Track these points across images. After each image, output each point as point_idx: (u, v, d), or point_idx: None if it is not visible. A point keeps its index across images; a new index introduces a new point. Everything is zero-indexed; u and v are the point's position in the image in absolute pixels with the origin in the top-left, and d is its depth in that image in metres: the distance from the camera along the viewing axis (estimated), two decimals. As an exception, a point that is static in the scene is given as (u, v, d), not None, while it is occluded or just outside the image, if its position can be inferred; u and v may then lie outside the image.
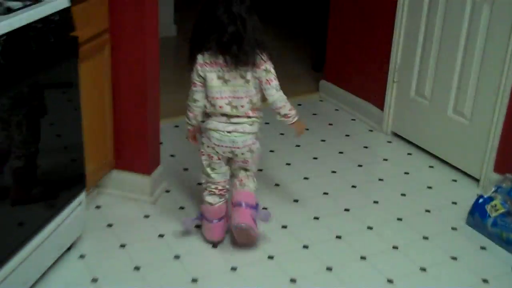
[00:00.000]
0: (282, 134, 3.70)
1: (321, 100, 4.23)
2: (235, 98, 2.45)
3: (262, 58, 2.44)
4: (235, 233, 2.60)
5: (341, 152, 3.53)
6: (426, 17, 3.39)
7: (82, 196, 2.55)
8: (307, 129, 3.75)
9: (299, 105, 4.12)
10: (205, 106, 2.51)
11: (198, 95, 2.50)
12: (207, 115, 2.54)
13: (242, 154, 2.54)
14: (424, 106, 3.49)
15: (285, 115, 2.57)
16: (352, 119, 3.96)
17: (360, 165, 3.40)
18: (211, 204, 2.62)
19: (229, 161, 2.61)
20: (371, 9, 3.75)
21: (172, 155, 3.41)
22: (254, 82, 2.46)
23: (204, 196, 2.65)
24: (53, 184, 2.38)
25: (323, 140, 3.66)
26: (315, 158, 3.46)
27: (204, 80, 2.46)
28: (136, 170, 2.96)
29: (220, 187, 2.62)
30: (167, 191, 3.07)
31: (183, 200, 3.00)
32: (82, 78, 2.54)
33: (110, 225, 2.78)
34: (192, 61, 2.48)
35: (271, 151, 3.51)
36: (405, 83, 3.58)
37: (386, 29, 3.62)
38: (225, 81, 2.44)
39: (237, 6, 2.39)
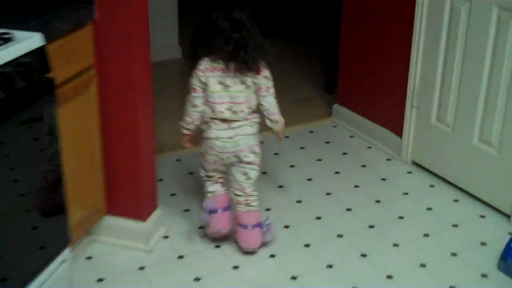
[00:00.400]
0: (292, 166, 3.42)
1: (334, 126, 3.94)
2: (235, 104, 2.47)
3: (263, 65, 2.49)
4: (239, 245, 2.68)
5: (356, 186, 3.23)
6: (446, 36, 3.09)
7: (65, 253, 2.28)
8: (320, 160, 3.50)
9: (311, 132, 3.84)
10: (203, 111, 2.52)
11: (198, 100, 2.51)
12: (205, 124, 2.54)
13: (245, 156, 2.53)
14: (447, 134, 3.18)
15: (275, 121, 2.61)
16: (369, 147, 3.66)
17: (378, 201, 3.10)
18: (214, 193, 2.65)
19: (230, 168, 2.61)
20: (387, 27, 3.46)
21: (172, 194, 3.14)
22: (254, 87, 2.49)
23: (206, 187, 2.67)
24: (31, 242, 2.12)
25: (337, 172, 3.37)
26: (328, 194, 3.16)
27: (204, 86, 2.48)
28: (130, 216, 2.70)
29: (221, 177, 2.67)
30: (166, 237, 2.80)
31: (183, 247, 2.73)
32: (67, 119, 2.32)
33: (100, 280, 2.52)
34: (192, 66, 2.49)
35: (280, 186, 3.22)
36: (425, 109, 3.28)
37: (403, 49, 3.33)
38: (225, 87, 2.46)
39: (239, 13, 2.42)
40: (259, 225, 2.63)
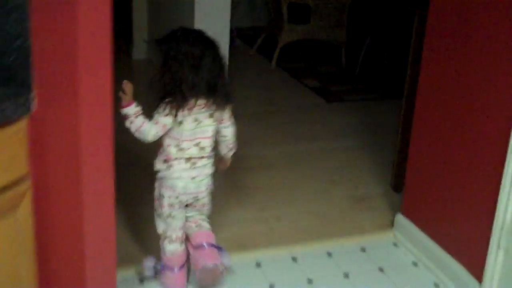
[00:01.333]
0: (310, 283, 2.55)
1: (395, 244, 3.02)
2: (204, 139, 2.41)
3: None
4: (199, 276, 2.50)
5: None
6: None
7: None
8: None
9: (363, 250, 2.94)
10: (164, 150, 2.40)
11: (159, 135, 2.36)
12: (165, 163, 2.40)
13: (203, 198, 2.49)
14: (546, 296, 2.23)
15: (232, 148, 2.57)
16: (436, 285, 2.72)
17: None
18: (173, 252, 2.50)
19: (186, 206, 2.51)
20: (476, 135, 2.54)
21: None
22: (217, 119, 2.44)
23: (165, 246, 2.51)
24: None
25: (384, 324, 2.46)
26: None
27: (176, 124, 2.35)
28: None
29: (180, 234, 2.51)
30: None
31: None
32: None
33: None
34: (179, 109, 2.32)
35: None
36: (518, 253, 2.34)
37: (493, 165, 2.41)
38: (199, 123, 2.38)
39: (215, 46, 2.34)
40: (215, 245, 2.54)
